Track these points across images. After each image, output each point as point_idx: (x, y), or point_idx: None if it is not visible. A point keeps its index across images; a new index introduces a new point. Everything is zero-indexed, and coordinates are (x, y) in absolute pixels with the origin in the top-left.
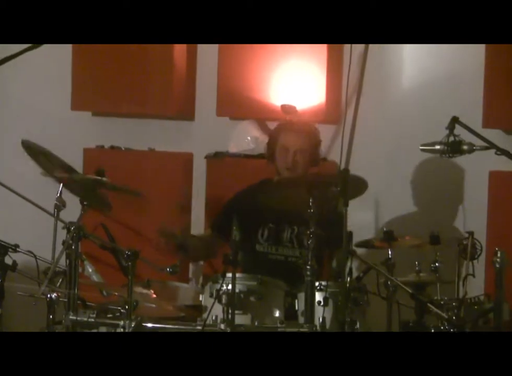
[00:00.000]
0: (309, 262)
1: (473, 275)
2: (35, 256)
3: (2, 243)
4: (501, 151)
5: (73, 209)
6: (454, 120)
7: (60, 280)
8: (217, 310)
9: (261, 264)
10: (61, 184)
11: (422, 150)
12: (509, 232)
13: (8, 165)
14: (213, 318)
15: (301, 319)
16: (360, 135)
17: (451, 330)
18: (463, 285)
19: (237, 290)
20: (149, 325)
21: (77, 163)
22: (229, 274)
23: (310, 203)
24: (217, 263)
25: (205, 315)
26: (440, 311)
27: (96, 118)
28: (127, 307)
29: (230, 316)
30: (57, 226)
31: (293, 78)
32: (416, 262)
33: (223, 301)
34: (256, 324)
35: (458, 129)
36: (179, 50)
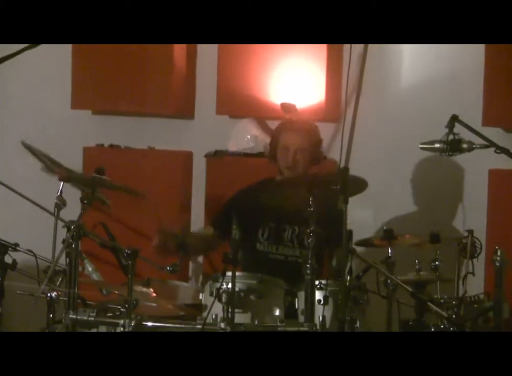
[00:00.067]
0: (309, 261)
1: (473, 273)
2: (35, 255)
3: (2, 242)
4: (501, 150)
5: (73, 208)
6: (454, 119)
7: (60, 279)
8: (217, 309)
9: (261, 263)
10: (62, 183)
11: (422, 148)
12: (508, 230)
13: (8, 164)
14: (213, 317)
15: (301, 318)
16: (360, 134)
17: (451, 328)
18: (462, 284)
19: (237, 289)
20: (149, 323)
21: (76, 161)
22: (229, 273)
23: (310, 202)
24: (217, 262)
25: (205, 314)
26: (440, 310)
27: (96, 117)
28: (127, 306)
29: (230, 314)
30: (57, 225)
31: (293, 76)
32: (416, 261)
33: (223, 299)
34: (256, 322)
35: (458, 128)
36: (179, 49)
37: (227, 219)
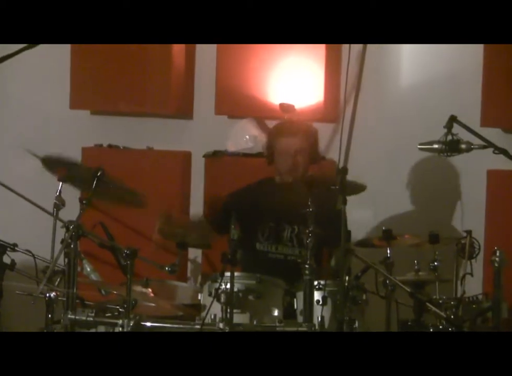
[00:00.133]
0: (308, 262)
1: (471, 274)
2: (33, 255)
3: (1, 242)
4: (499, 150)
5: (72, 208)
6: (452, 119)
7: (59, 279)
8: (216, 309)
9: (261, 263)
10: (61, 183)
11: (420, 149)
12: (507, 230)
13: (7, 164)
14: (212, 317)
15: (300, 318)
16: (359, 134)
17: (450, 329)
18: (461, 284)
19: (236, 289)
20: (148, 324)
21: None
22: (228, 273)
23: (309, 203)
24: (216, 262)
25: (203, 314)
26: (438, 310)
27: (95, 117)
28: (125, 306)
29: (228, 315)
30: (56, 225)
31: (292, 76)
32: (415, 261)
33: (222, 299)
34: (254, 323)
35: (456, 128)
36: (178, 49)
37: (225, 216)
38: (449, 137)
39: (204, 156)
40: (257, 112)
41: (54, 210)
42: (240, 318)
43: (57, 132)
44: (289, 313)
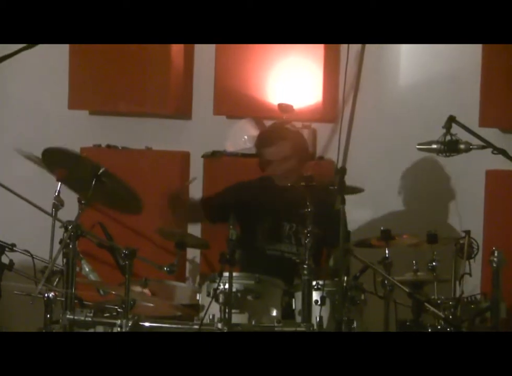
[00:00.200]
0: (306, 262)
1: (470, 274)
2: (32, 255)
3: None
4: (498, 150)
5: (71, 208)
6: (451, 119)
7: (57, 279)
8: (214, 310)
9: (259, 259)
10: (60, 183)
11: (419, 149)
12: (505, 231)
13: (5, 164)
14: (211, 317)
15: (298, 319)
16: (357, 134)
17: (448, 329)
18: (459, 284)
19: (234, 289)
20: (146, 324)
21: None
22: (226, 274)
23: (308, 203)
24: (214, 262)
25: (202, 314)
26: (437, 310)
27: (94, 117)
28: (124, 306)
29: (227, 315)
30: (55, 225)
31: (290, 76)
32: (413, 261)
33: (220, 300)
34: (253, 323)
35: (455, 128)
36: (177, 49)
37: (222, 205)
38: (448, 137)
39: (202, 156)
40: (256, 112)
41: (52, 210)
42: (238, 318)
43: (55, 132)
44: (287, 313)
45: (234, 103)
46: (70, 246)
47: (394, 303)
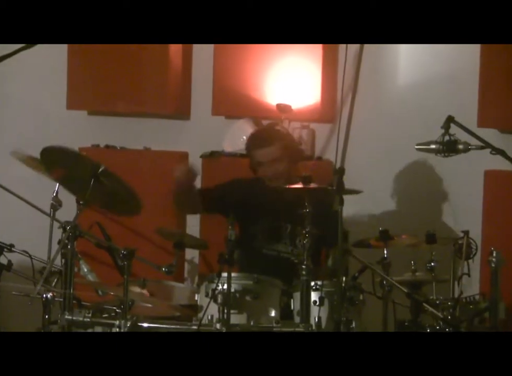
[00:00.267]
0: (305, 262)
1: (468, 274)
2: (30, 256)
3: None
4: (496, 151)
5: (69, 209)
6: (450, 120)
7: (56, 279)
8: (213, 310)
9: (256, 259)
10: (58, 184)
11: (417, 149)
12: (504, 231)
13: (4, 164)
14: (209, 317)
15: (297, 319)
16: (356, 134)
17: (447, 329)
18: (458, 285)
19: (232, 290)
20: (145, 324)
21: None
22: (225, 274)
23: (306, 203)
24: (213, 263)
25: (200, 315)
26: (435, 310)
27: (92, 117)
28: (122, 306)
29: (225, 315)
30: (53, 225)
31: (289, 76)
32: (412, 262)
33: (219, 300)
34: (251, 323)
35: (453, 129)
36: (175, 49)
37: (222, 197)
38: (447, 137)
39: (201, 156)
40: (254, 112)
41: (50, 210)
42: (237, 318)
43: (54, 132)
44: (286, 314)
45: (232, 103)
46: (69, 246)
47: (393, 303)
